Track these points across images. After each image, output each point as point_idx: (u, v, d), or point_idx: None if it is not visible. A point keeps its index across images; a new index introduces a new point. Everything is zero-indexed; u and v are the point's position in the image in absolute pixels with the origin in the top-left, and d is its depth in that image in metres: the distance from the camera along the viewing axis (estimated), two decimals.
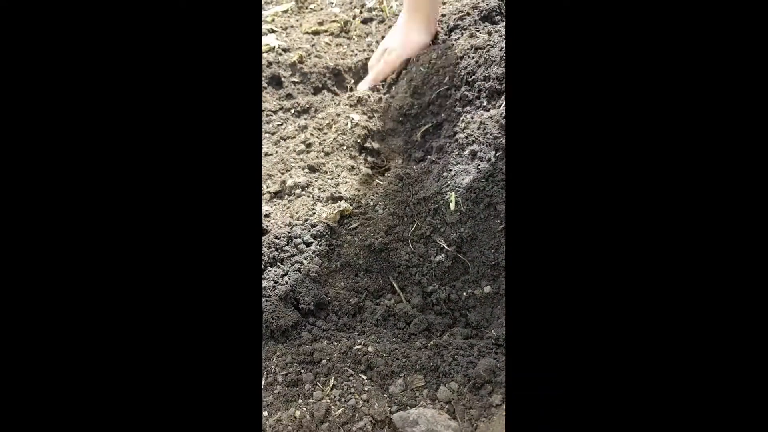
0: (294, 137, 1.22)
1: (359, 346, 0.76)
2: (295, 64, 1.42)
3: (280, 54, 1.46)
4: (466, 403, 0.65)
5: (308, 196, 1.01)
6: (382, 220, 0.96)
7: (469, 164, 0.97)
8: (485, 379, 0.65)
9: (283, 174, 1.08)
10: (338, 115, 1.23)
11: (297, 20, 1.66)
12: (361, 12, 1.65)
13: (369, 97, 1.26)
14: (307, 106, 1.32)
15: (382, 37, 1.49)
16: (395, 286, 0.93)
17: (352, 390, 0.70)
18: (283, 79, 1.39)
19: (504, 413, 0.62)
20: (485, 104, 1.10)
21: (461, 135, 1.03)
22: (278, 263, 0.89)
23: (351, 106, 1.24)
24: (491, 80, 1.10)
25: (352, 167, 1.12)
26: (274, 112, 1.32)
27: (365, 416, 0.66)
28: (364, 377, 0.72)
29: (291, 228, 0.93)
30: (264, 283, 0.86)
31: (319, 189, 1.04)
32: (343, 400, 0.68)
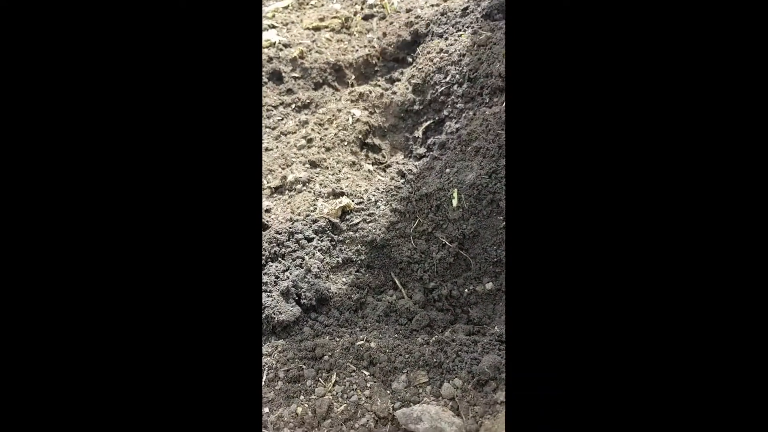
0: (295, 132, 1.22)
1: (361, 342, 0.75)
2: (296, 60, 1.41)
3: (281, 49, 1.45)
4: (471, 399, 0.65)
5: (309, 192, 1.01)
6: (384, 216, 0.95)
7: (472, 161, 0.96)
8: (489, 376, 0.65)
9: (283, 169, 1.07)
10: (339, 110, 1.22)
11: (298, 16, 1.65)
12: (362, 8, 1.64)
13: (370, 92, 1.25)
14: (308, 101, 1.31)
15: (384, 34, 1.48)
16: (397, 282, 0.92)
17: (355, 386, 0.69)
18: (283, 74, 1.38)
19: None
20: (487, 101, 1.09)
21: (464, 131, 1.03)
22: (280, 258, 0.88)
23: (352, 101, 1.24)
24: (494, 77, 1.10)
25: (354, 163, 1.11)
26: (275, 107, 1.31)
27: (368, 413, 0.66)
28: (367, 373, 0.71)
29: (292, 223, 0.92)
30: (265, 279, 0.85)
31: (320, 184, 1.03)
32: (345, 396, 0.68)
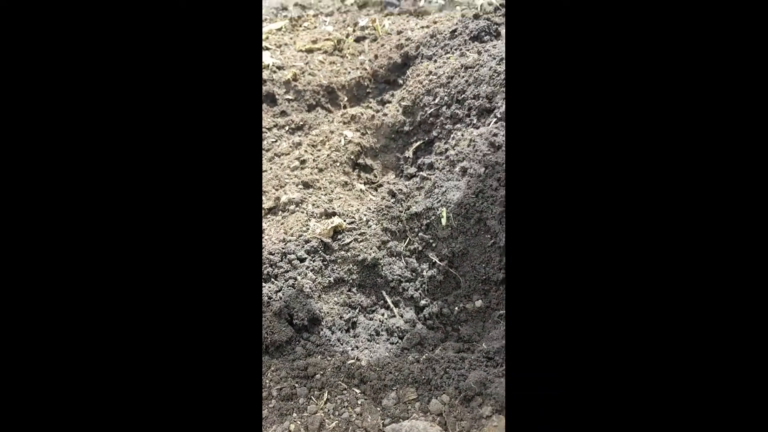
0: (288, 154, 1.25)
1: (352, 361, 0.77)
2: (290, 82, 1.45)
3: (275, 72, 1.49)
4: (457, 414, 0.67)
5: (302, 212, 1.03)
6: (375, 235, 0.98)
7: (459, 180, 0.99)
8: (476, 392, 0.67)
9: (277, 190, 1.10)
10: (332, 132, 1.25)
11: (291, 38, 1.69)
12: (354, 30, 1.69)
13: (362, 114, 1.28)
14: (301, 123, 1.34)
15: (375, 56, 1.52)
16: (388, 301, 0.95)
17: (346, 403, 0.71)
18: (277, 96, 1.42)
19: (494, 424, 0.64)
20: (475, 122, 1.13)
21: (452, 152, 1.06)
22: (273, 279, 0.90)
23: (344, 123, 1.27)
24: (480, 98, 1.13)
25: (346, 183, 1.14)
26: (269, 129, 1.34)
27: (359, 429, 0.67)
28: (358, 391, 0.73)
29: (285, 244, 0.95)
30: None
31: (313, 205, 1.06)
32: (336, 413, 0.69)
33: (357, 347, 0.85)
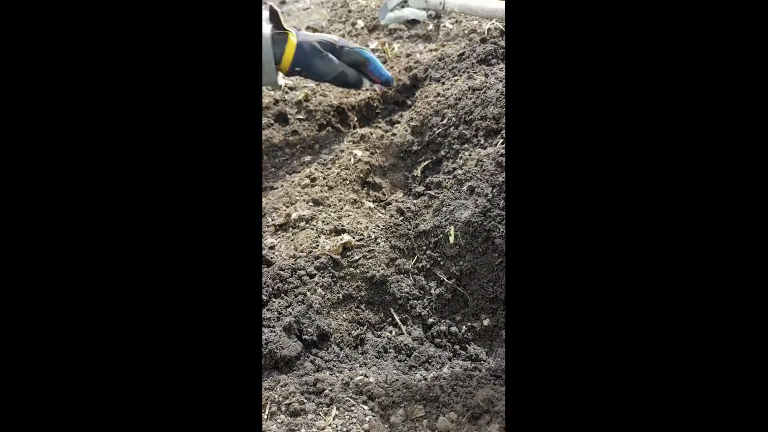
0: (299, 172, 1.27)
1: (361, 377, 0.78)
2: (301, 102, 1.48)
3: (287, 92, 1.53)
4: None
5: (312, 229, 1.05)
6: (384, 252, 0.99)
7: (467, 199, 1.01)
8: (483, 409, 0.67)
9: (287, 207, 1.12)
10: (342, 151, 1.28)
11: None
12: None
13: (371, 134, 1.31)
14: (312, 142, 1.37)
15: None
16: (396, 318, 0.95)
17: (354, 420, 0.71)
18: (289, 116, 1.46)
19: None
20: (482, 142, 1.15)
21: (459, 171, 1.08)
22: (282, 295, 0.92)
23: (354, 142, 1.30)
24: (488, 120, 1.16)
25: (355, 201, 1.16)
26: (280, 148, 1.37)
27: None
28: (366, 407, 0.74)
29: (295, 260, 0.96)
30: (268, 314, 0.88)
31: (323, 222, 1.07)
32: (345, 429, 0.70)
33: (365, 364, 0.86)
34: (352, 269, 0.97)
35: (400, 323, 0.94)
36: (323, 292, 0.93)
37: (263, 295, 0.91)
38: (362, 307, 0.95)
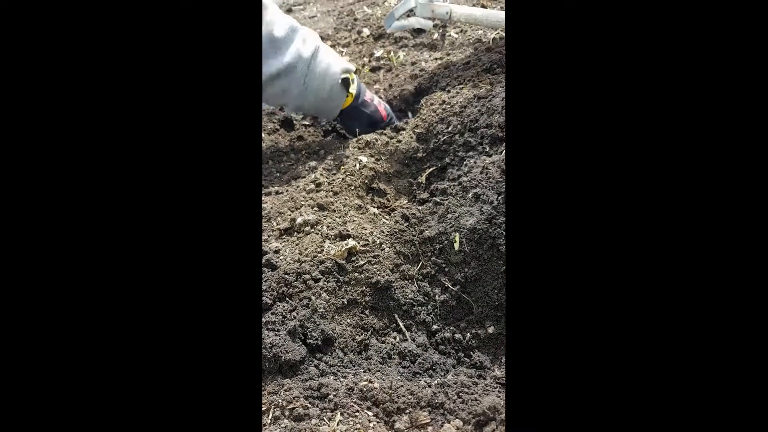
0: (304, 177, 1.28)
1: (365, 382, 0.77)
2: None
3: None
4: None
5: (317, 234, 1.05)
6: (388, 258, 0.99)
7: (472, 206, 1.01)
8: (489, 417, 0.67)
9: (293, 212, 1.12)
10: (347, 156, 1.28)
11: None
12: (369, 61, 1.75)
13: (376, 140, 1.32)
14: (318, 148, 1.38)
15: (390, 86, 1.57)
16: (400, 324, 0.95)
17: (358, 425, 0.71)
18: (295, 122, 1.46)
19: None
20: (487, 150, 1.15)
21: (465, 179, 1.08)
22: (287, 298, 0.91)
23: (359, 148, 1.30)
24: (493, 128, 1.16)
25: (360, 206, 1.16)
26: (286, 153, 1.38)
27: None
28: (370, 413, 0.73)
29: (300, 264, 0.96)
30: (273, 318, 0.88)
31: (328, 227, 1.07)
32: None
33: (369, 369, 0.85)
34: (356, 274, 0.97)
35: (404, 329, 0.94)
36: (328, 297, 0.93)
37: (268, 299, 0.90)
38: (366, 312, 0.95)
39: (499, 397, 0.71)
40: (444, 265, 0.99)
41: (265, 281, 0.92)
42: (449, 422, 0.69)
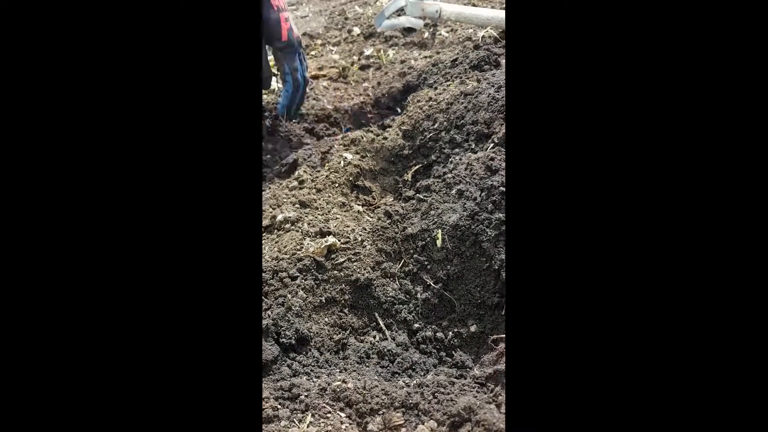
0: (287, 174, 1.25)
1: (339, 382, 0.75)
2: None
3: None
4: None
5: (297, 231, 1.03)
6: (370, 255, 0.96)
7: (455, 203, 0.99)
8: (464, 418, 0.64)
9: (274, 209, 1.10)
10: (332, 154, 1.26)
11: None
12: (359, 59, 1.73)
13: (362, 137, 1.30)
14: (303, 144, 1.35)
15: (378, 83, 1.55)
16: (380, 323, 0.92)
17: (330, 427, 0.68)
18: (281, 120, 1.44)
19: None
20: (473, 147, 1.13)
21: (449, 175, 1.06)
22: (263, 297, 0.89)
23: (344, 145, 1.28)
24: (479, 124, 1.14)
25: (343, 204, 1.14)
26: (270, 152, 1.36)
27: None
28: (343, 414, 0.70)
29: (277, 262, 0.93)
30: None
31: (309, 224, 1.05)
32: None
33: (345, 369, 0.83)
34: (336, 272, 0.94)
35: (384, 328, 0.91)
36: (305, 295, 0.90)
37: None
38: (345, 311, 0.92)
39: (476, 397, 0.68)
40: (426, 263, 0.96)
41: None
42: (423, 423, 0.66)
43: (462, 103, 1.22)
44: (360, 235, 1.00)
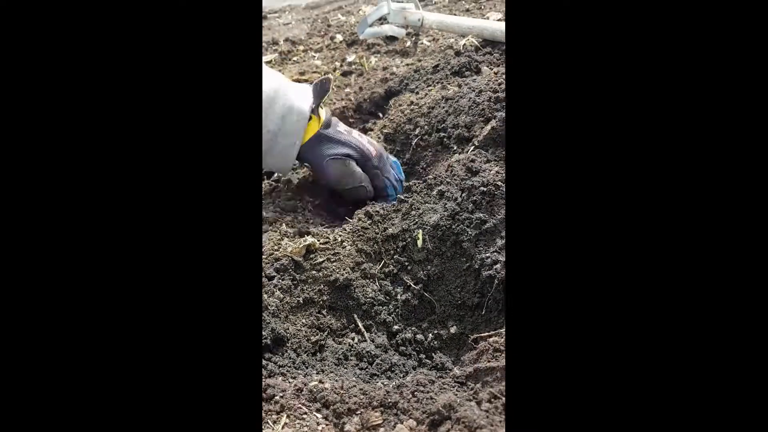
0: (269, 176, 1.23)
1: (315, 383, 0.72)
2: None
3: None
4: None
5: (275, 231, 1.01)
6: (349, 256, 0.95)
7: (436, 204, 0.98)
8: (444, 416, 0.62)
9: None
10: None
11: (279, 70, 1.73)
12: (341, 65, 1.73)
13: None
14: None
15: (360, 88, 1.55)
16: (359, 324, 0.90)
17: (305, 428, 0.65)
18: None
19: None
20: (455, 148, 1.14)
21: (430, 177, 1.06)
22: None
23: None
24: (460, 128, 1.15)
25: (321, 205, 1.12)
26: None
27: None
28: (319, 415, 0.68)
29: None
30: None
31: (288, 225, 1.03)
32: None
33: (323, 371, 0.80)
34: (314, 272, 0.92)
35: (363, 330, 0.90)
36: (282, 295, 0.88)
37: None
38: (323, 312, 0.90)
39: (456, 394, 0.66)
40: (407, 263, 0.95)
41: None
42: (402, 422, 0.64)
43: (443, 107, 1.23)
44: (340, 236, 0.98)
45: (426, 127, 1.23)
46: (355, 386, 0.72)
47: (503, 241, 0.88)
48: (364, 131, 1.37)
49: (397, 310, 0.92)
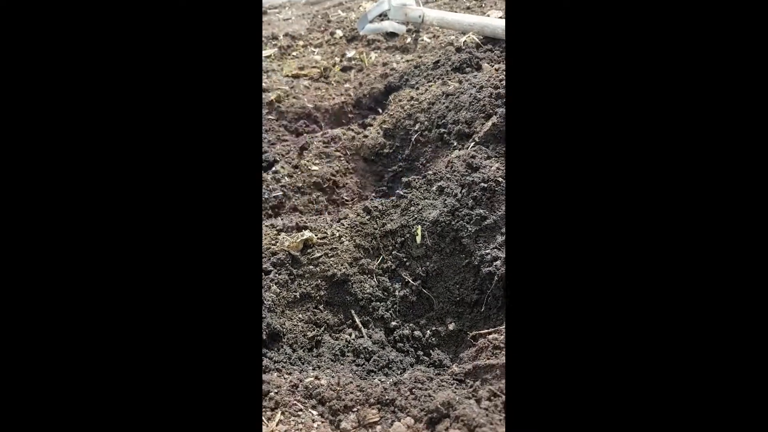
0: (266, 171, 1.22)
1: (311, 379, 0.71)
2: (273, 103, 1.44)
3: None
4: None
5: (273, 226, 0.99)
6: (347, 251, 0.94)
7: (436, 199, 0.97)
8: (442, 414, 0.61)
9: None
10: (310, 150, 1.23)
11: (279, 65, 1.71)
12: (341, 60, 1.72)
13: (343, 135, 1.27)
14: (282, 142, 1.32)
15: (360, 84, 1.54)
16: (357, 320, 0.89)
17: (301, 425, 0.64)
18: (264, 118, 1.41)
19: None
20: (455, 144, 1.12)
21: (429, 172, 1.05)
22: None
23: (325, 143, 1.26)
24: (460, 123, 1.13)
25: (322, 200, 1.11)
26: None
27: None
28: (315, 412, 0.67)
29: None
30: None
31: (285, 219, 1.02)
32: None
33: (319, 367, 0.79)
34: (312, 267, 0.91)
35: (360, 326, 0.88)
36: (278, 290, 0.86)
37: None
38: (321, 307, 0.89)
39: (455, 392, 0.65)
40: (405, 259, 0.94)
41: None
42: (400, 420, 0.63)
43: (443, 103, 1.21)
44: (338, 231, 0.97)
45: (426, 122, 1.22)
46: (351, 383, 0.71)
47: (503, 238, 0.87)
48: (363, 126, 1.36)
49: (395, 306, 0.91)
